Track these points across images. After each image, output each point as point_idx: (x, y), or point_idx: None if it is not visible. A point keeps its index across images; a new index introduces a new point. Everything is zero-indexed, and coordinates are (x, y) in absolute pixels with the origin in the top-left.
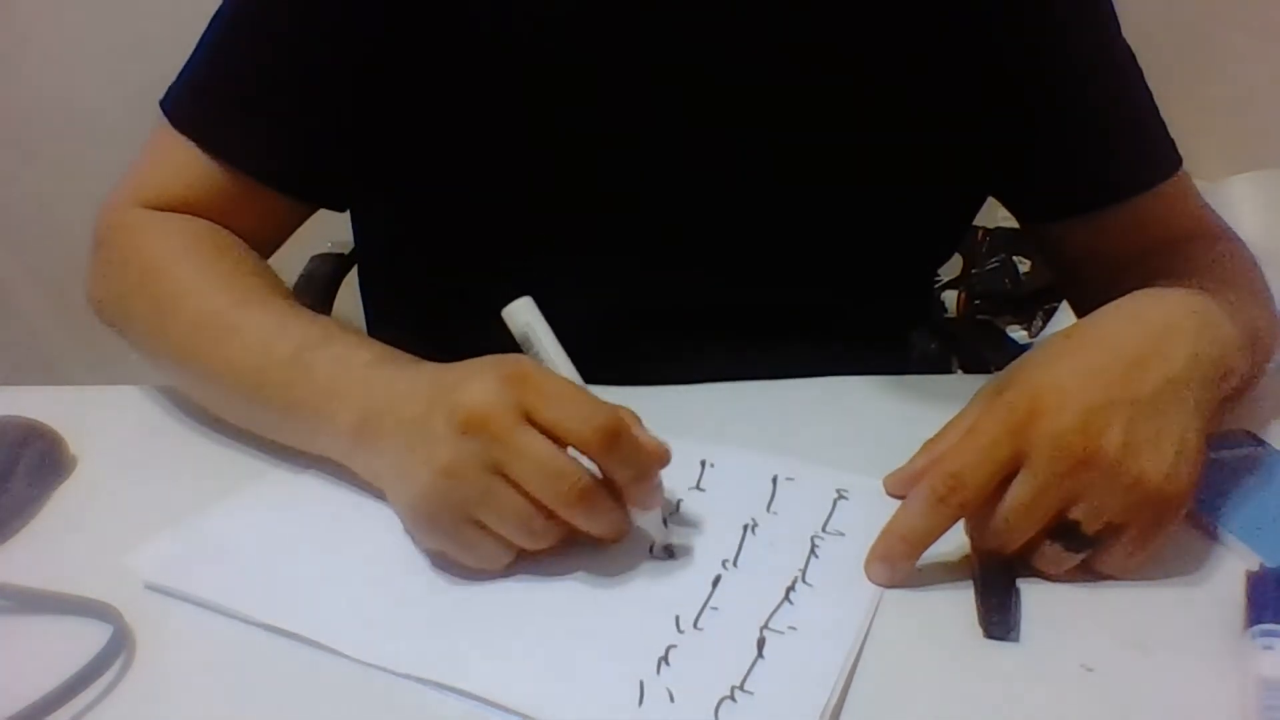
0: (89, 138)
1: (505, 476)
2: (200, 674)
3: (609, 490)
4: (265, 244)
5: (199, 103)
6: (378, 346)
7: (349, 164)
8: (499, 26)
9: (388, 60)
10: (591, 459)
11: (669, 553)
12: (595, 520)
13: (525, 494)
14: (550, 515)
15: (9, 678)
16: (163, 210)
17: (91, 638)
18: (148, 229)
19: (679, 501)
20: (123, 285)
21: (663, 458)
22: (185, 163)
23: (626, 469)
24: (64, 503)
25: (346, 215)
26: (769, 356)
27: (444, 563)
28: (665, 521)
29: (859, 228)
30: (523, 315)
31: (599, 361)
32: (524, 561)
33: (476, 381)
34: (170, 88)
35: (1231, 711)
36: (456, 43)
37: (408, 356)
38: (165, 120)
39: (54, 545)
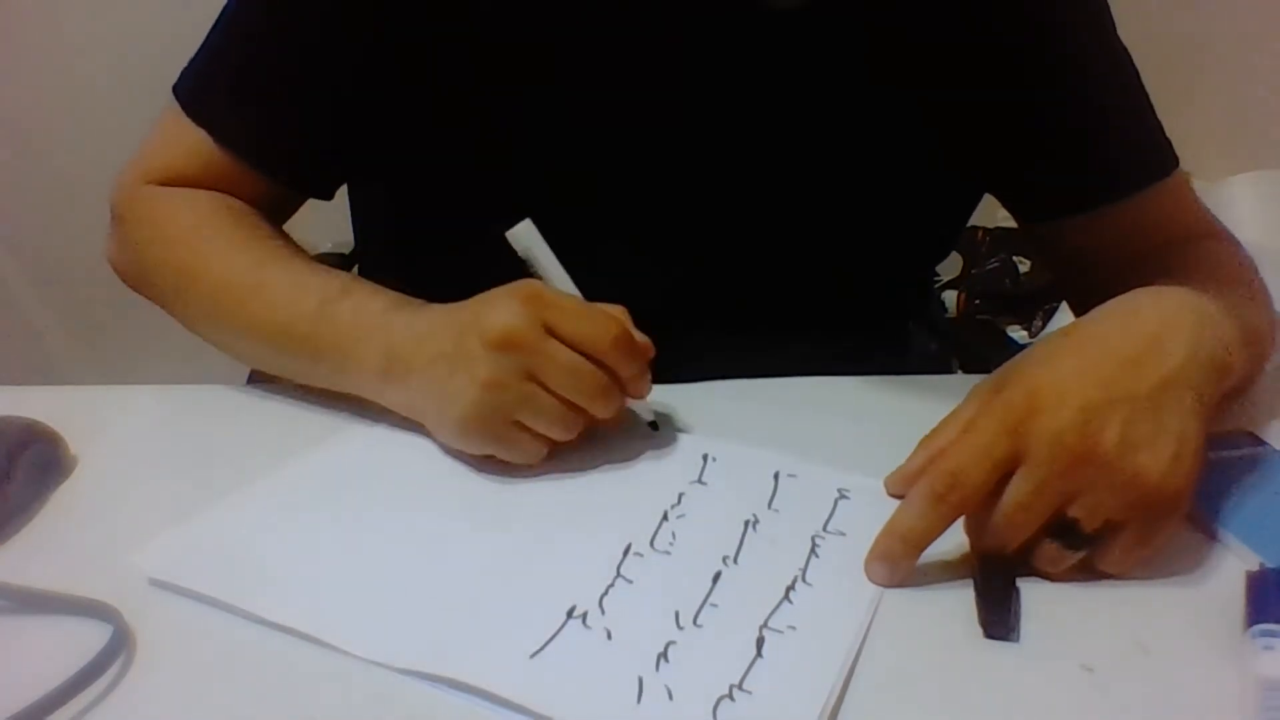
0: (89, 138)
1: (539, 382)
2: (200, 674)
3: (615, 380)
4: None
5: (207, 91)
6: (392, 294)
7: (348, 154)
8: (492, 28)
9: (388, 52)
10: (606, 363)
11: (655, 427)
12: (609, 406)
13: (556, 395)
14: (577, 409)
15: (9, 678)
16: (172, 186)
17: (91, 638)
18: (166, 202)
19: (681, 494)
20: (146, 255)
21: (651, 352)
22: (193, 145)
23: (631, 367)
24: (64, 503)
25: (347, 215)
26: (769, 355)
27: (443, 557)
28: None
29: (856, 223)
30: (524, 238)
31: None
32: (552, 460)
33: (500, 307)
34: (182, 72)
35: (1231, 711)
36: (455, 39)
37: (418, 302)
38: (176, 104)
39: (54, 545)
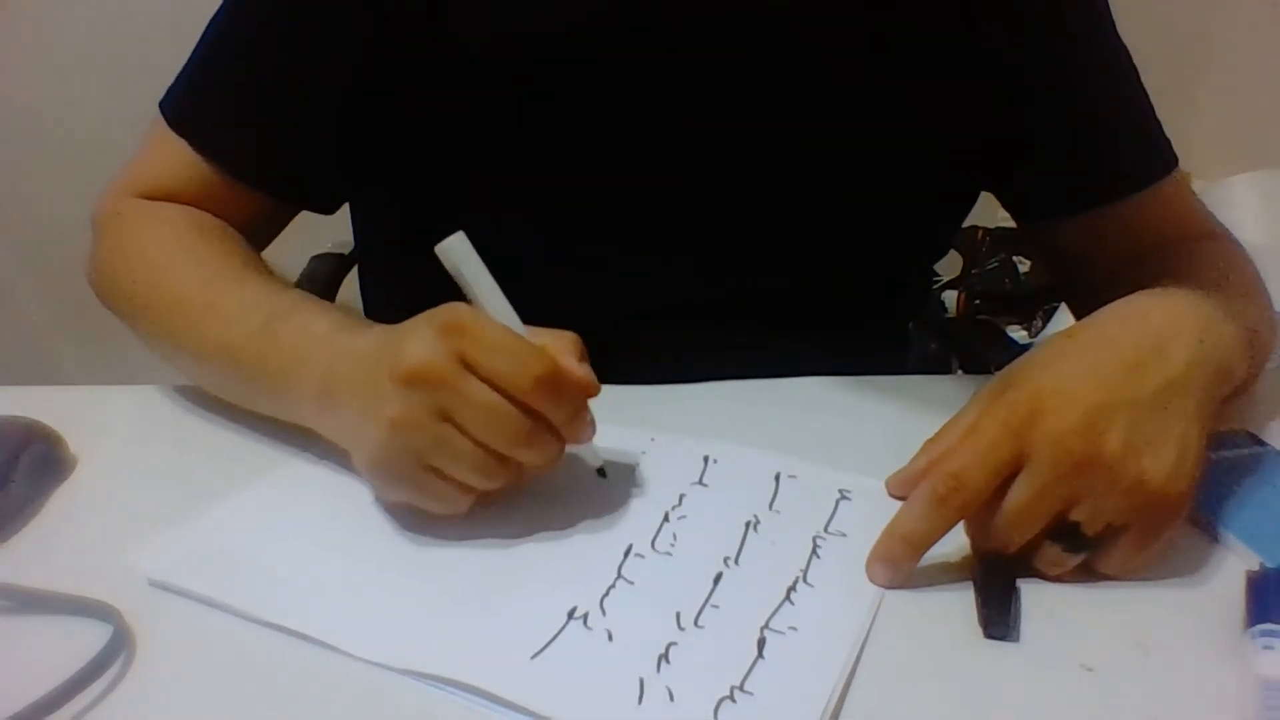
0: (89, 138)
1: (454, 423)
2: (200, 674)
3: (545, 425)
4: (252, 239)
5: (192, 103)
6: (338, 314)
7: (338, 166)
8: (491, 25)
9: (379, 63)
10: (529, 404)
11: (603, 474)
12: (538, 454)
13: (473, 438)
14: (499, 456)
15: (9, 678)
16: (156, 200)
17: (91, 638)
18: (140, 216)
19: (682, 496)
20: (116, 269)
21: (591, 390)
22: (178, 159)
23: (562, 411)
24: (64, 503)
25: (346, 215)
26: (769, 355)
27: (444, 558)
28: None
29: (856, 221)
30: (454, 254)
31: (599, 357)
32: (483, 508)
33: (415, 337)
34: (169, 87)
35: (1231, 711)
36: (448, 43)
37: (366, 323)
38: (162, 118)
39: (54, 545)
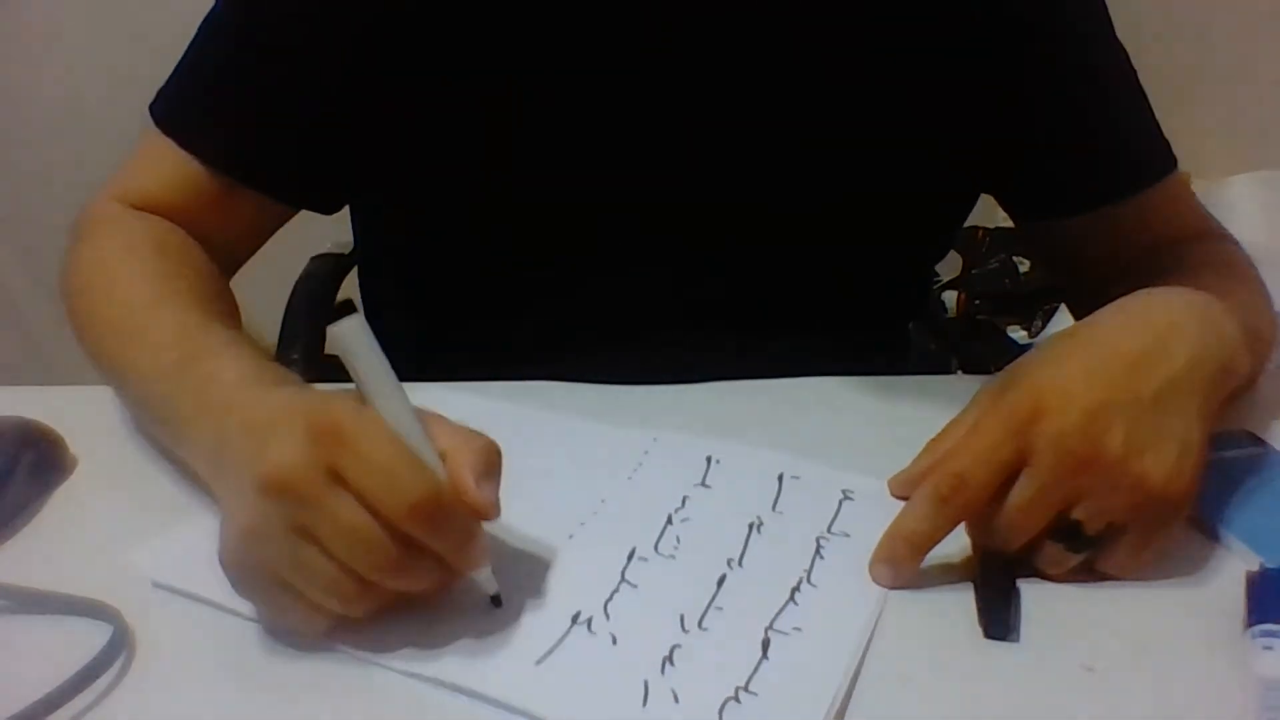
0: (90, 139)
1: (314, 540)
2: (200, 674)
3: (424, 551)
4: (241, 245)
5: (182, 105)
6: (254, 364)
7: (334, 167)
8: (486, 29)
9: (375, 63)
10: (405, 531)
11: (496, 603)
12: (413, 582)
13: (336, 559)
14: (363, 581)
15: (9, 678)
16: (142, 208)
17: (91, 638)
18: (107, 225)
19: (685, 497)
20: (71, 279)
21: (487, 514)
22: (167, 162)
23: (444, 541)
24: (64, 503)
25: (346, 215)
26: (769, 355)
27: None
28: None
29: (856, 221)
30: (343, 340)
31: (601, 357)
32: (348, 629)
33: (285, 436)
34: (159, 91)
35: (1231, 711)
36: (443, 46)
37: (278, 377)
38: (154, 125)
39: (54, 545)
